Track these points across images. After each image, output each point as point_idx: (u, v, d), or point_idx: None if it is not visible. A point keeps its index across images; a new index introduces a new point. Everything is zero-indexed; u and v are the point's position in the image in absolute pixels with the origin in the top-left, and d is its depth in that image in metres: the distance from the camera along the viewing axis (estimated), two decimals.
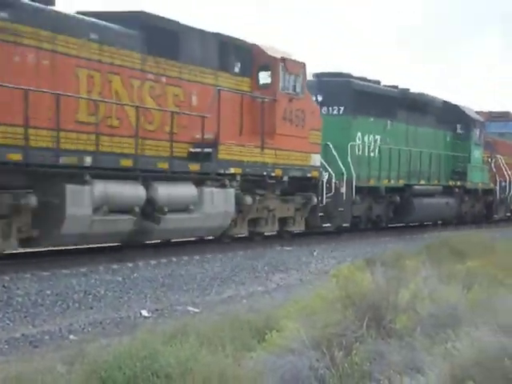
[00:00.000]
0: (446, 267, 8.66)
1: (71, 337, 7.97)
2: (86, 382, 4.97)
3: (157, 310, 9.59)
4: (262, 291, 11.46)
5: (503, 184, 28.10)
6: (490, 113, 29.81)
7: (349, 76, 20.40)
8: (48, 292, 9.86)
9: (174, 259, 13.55)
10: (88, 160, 11.79)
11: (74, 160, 11.60)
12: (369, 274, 7.07)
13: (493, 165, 27.76)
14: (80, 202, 11.55)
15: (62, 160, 11.37)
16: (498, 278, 8.15)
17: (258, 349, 6.13)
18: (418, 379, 4.70)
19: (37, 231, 11.30)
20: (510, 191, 28.36)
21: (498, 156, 28.07)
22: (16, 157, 10.71)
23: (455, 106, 25.65)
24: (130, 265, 12.53)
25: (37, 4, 11.38)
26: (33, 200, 10.92)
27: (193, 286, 11.37)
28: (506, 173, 28.14)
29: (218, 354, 5.51)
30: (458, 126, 25.53)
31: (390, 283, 7.04)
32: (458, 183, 25.25)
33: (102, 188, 12.02)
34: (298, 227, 17.78)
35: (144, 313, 9.36)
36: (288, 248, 16.71)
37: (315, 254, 16.08)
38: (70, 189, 11.40)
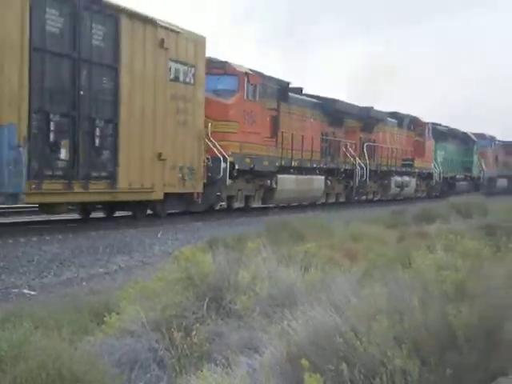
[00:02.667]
0: (286, 249, 8.86)
1: None
2: None
3: None
4: (103, 273, 11.25)
5: (486, 174, 50.15)
6: (480, 134, 50.24)
7: (435, 124, 41.35)
8: None
9: (10, 241, 13.00)
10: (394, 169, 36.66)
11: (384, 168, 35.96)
12: (210, 256, 7.12)
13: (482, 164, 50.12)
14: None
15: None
16: (334, 259, 8.45)
17: (97, 332, 6.00)
18: (254, 358, 4.78)
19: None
20: (487, 178, 50.55)
21: (482, 159, 49.69)
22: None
23: (465, 133, 47.38)
24: None
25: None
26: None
27: (29, 268, 10.96)
28: (484, 168, 49.91)
29: (54, 337, 5.34)
30: (466, 144, 47.22)
31: (231, 264, 7.12)
32: (468, 174, 46.82)
33: (399, 178, 35.28)
34: (421, 194, 39.90)
35: None
36: (132, 230, 16.52)
37: (159, 235, 16.00)
38: (393, 179, 34.81)
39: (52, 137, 13.71)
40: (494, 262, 5.49)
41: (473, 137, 47.70)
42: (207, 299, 6.48)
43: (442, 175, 40.82)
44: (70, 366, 4.61)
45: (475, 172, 48.12)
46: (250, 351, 5.10)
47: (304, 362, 4.05)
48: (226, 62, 20.54)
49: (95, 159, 15.01)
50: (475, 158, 47.76)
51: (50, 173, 13.80)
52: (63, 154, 14.01)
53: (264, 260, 7.33)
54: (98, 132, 14.94)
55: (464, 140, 46.76)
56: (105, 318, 6.01)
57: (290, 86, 24.83)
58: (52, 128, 13.68)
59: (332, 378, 4.33)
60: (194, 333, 5.69)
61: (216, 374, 4.41)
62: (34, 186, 13.20)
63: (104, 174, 15.38)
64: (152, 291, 6.52)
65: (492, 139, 51.95)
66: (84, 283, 10.15)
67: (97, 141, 14.91)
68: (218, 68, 20.16)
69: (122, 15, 15.41)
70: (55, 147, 13.79)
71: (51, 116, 13.66)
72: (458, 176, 44.79)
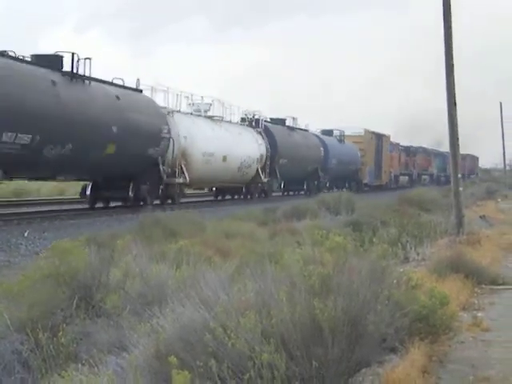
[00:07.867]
0: (158, 246, 8.79)
1: None
2: None
3: None
4: None
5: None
6: (447, 152, 68.94)
7: (434, 149, 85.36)
8: None
9: None
10: None
11: None
12: (81, 254, 6.95)
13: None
14: None
15: None
16: (206, 256, 8.45)
17: None
18: (123, 357, 4.72)
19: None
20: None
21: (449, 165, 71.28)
22: None
23: (442, 151, 77.19)
24: None
25: None
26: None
27: None
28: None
29: None
30: (443, 157, 76.54)
31: (102, 262, 7.00)
32: (445, 173, 75.46)
33: (423, 176, 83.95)
34: None
35: None
36: None
37: (26, 234, 15.47)
38: (422, 177, 79.75)
39: (373, 168, 53.78)
40: (358, 256, 5.67)
41: (445, 153, 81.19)
42: (76, 298, 6.34)
43: (436, 174, 77.61)
44: None
45: (448, 172, 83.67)
46: (118, 350, 5.02)
47: (172, 359, 4.03)
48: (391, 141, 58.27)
49: (379, 174, 55.55)
50: (447, 165, 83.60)
51: (378, 177, 55.40)
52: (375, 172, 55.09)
53: (135, 257, 7.25)
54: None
55: (442, 155, 78.20)
56: None
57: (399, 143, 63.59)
58: (375, 165, 53.86)
59: (201, 374, 4.33)
60: (60, 333, 5.55)
61: (82, 374, 4.32)
62: (370, 180, 53.49)
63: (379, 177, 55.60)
64: (17, 292, 6.30)
65: None
66: None
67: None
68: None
69: (383, 137, 55.69)
70: (374, 170, 54.64)
71: (375, 163, 53.70)
72: (441, 174, 78.12)
